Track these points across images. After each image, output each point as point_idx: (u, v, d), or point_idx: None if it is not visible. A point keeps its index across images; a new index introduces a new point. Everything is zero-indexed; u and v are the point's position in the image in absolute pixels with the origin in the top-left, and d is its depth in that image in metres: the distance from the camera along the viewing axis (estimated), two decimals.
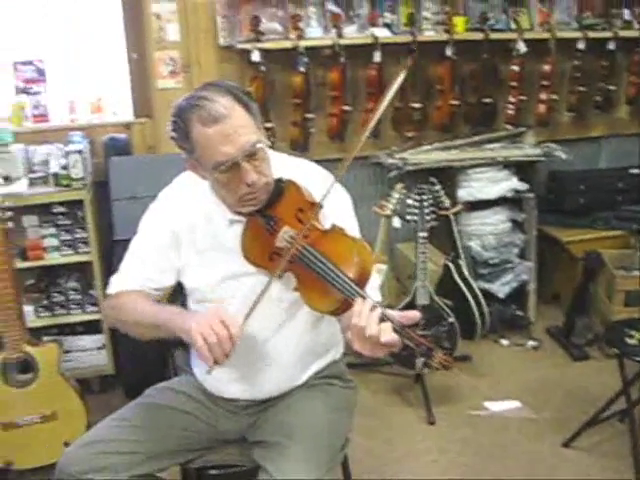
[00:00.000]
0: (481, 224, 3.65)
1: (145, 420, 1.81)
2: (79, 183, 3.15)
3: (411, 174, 3.49)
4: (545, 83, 3.75)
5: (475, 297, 3.35)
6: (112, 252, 2.98)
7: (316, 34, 3.46)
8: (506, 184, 3.60)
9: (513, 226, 3.72)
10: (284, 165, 1.76)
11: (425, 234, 3.04)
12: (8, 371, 2.63)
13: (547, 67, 3.71)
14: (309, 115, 3.50)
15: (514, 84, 3.69)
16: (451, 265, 3.37)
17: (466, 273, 3.38)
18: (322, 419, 1.79)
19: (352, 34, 3.48)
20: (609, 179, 3.97)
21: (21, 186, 3.14)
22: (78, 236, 3.21)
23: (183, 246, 1.80)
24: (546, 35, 3.67)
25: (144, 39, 3.47)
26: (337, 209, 1.72)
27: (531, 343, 3.63)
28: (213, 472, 1.93)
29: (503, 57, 3.70)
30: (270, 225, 1.65)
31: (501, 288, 3.69)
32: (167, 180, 1.89)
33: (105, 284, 1.94)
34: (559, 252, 3.85)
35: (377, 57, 3.45)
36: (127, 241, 1.89)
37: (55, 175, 3.17)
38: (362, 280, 1.51)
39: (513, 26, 3.65)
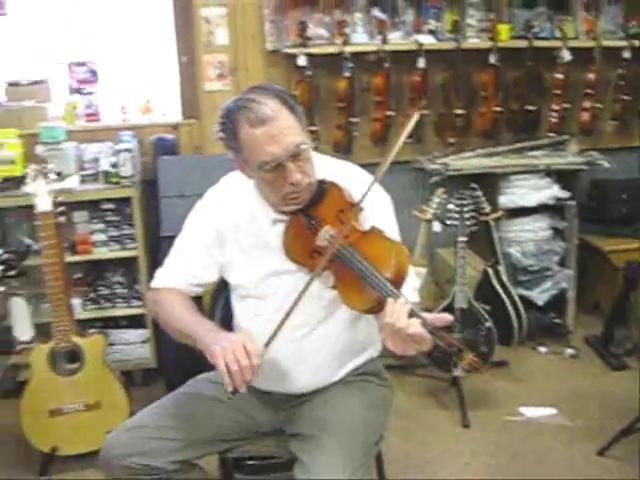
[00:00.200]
0: (521, 231, 3.65)
1: (185, 409, 1.88)
2: (128, 181, 3.26)
3: (452, 180, 3.52)
4: (589, 91, 3.74)
5: (513, 303, 3.36)
6: (158, 248, 3.06)
7: (361, 40, 3.51)
8: (548, 192, 3.61)
9: (554, 234, 3.71)
10: (327, 167, 1.81)
11: (465, 239, 3.07)
12: (56, 360, 2.72)
13: (592, 75, 3.70)
14: (353, 119, 3.55)
15: (558, 92, 3.69)
16: (490, 271, 3.38)
17: (505, 279, 3.40)
18: (357, 415, 1.83)
19: (397, 40, 3.53)
20: None
21: (72, 182, 3.24)
22: (125, 232, 3.31)
23: (227, 244, 1.87)
24: (591, 43, 3.67)
25: (194, 42, 3.56)
26: (377, 211, 1.76)
27: (569, 351, 3.61)
28: (250, 462, 1.99)
29: (547, 65, 3.69)
30: (312, 224, 1.71)
31: (540, 295, 3.69)
32: (213, 180, 1.96)
33: (150, 279, 2.01)
34: (600, 261, 3.83)
35: (421, 63, 3.49)
36: (173, 237, 1.96)
37: (105, 173, 3.27)
38: (398, 281, 1.56)
39: (558, 34, 3.66)
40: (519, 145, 3.74)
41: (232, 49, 3.57)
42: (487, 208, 3.26)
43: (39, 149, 3.24)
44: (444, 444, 2.92)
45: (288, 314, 1.64)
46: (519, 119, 3.73)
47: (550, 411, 3.12)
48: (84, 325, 3.15)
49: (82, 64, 3.60)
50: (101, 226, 3.32)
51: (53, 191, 2.69)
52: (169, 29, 3.62)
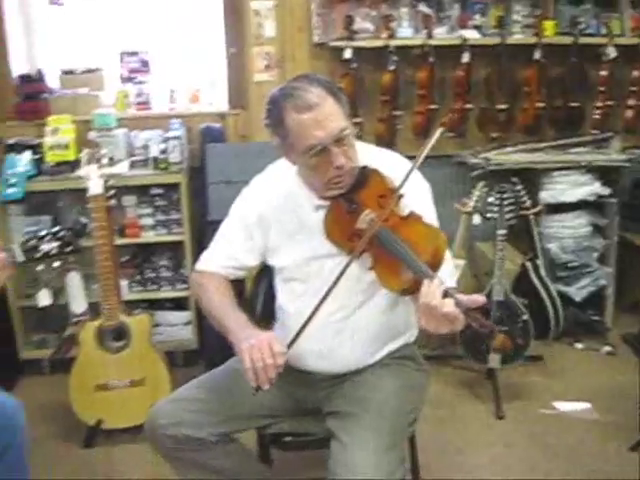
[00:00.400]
0: (561, 227, 3.66)
1: (226, 385, 1.96)
2: (176, 167, 3.36)
3: (494, 174, 3.53)
4: (634, 89, 3.70)
5: (551, 298, 3.37)
6: (205, 232, 3.15)
7: (407, 34, 3.55)
8: (589, 188, 3.60)
9: (594, 231, 3.71)
10: (370, 155, 1.87)
11: (504, 232, 3.09)
12: (104, 337, 2.83)
13: (637, 73, 3.67)
14: (396, 112, 3.59)
15: (602, 89, 3.67)
16: (529, 265, 3.40)
17: (543, 274, 3.41)
18: (393, 395, 1.89)
19: (442, 35, 3.56)
20: None
21: (123, 168, 3.36)
22: (172, 217, 3.42)
23: (270, 229, 1.95)
24: (637, 41, 3.63)
25: (243, 34, 3.64)
26: (417, 198, 1.82)
27: (606, 349, 3.61)
28: (288, 439, 2.06)
29: (592, 62, 3.68)
30: (353, 208, 1.77)
31: (578, 292, 3.69)
32: (259, 166, 2.04)
33: (195, 263, 2.11)
34: None
35: (465, 58, 3.51)
36: (219, 222, 2.06)
37: (154, 159, 3.38)
38: (434, 263, 1.62)
39: (604, 31, 3.64)
40: (562, 141, 3.74)
41: (280, 41, 3.64)
42: (527, 203, 3.27)
43: (92, 135, 3.36)
44: (477, 434, 2.96)
45: (326, 295, 1.71)
46: (562, 115, 3.73)
47: (584, 406, 3.14)
48: (130, 306, 3.23)
49: (134, 54, 3.72)
50: (149, 210, 3.43)
51: (104, 175, 2.78)
52: (218, 21, 3.71)
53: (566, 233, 3.66)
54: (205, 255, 2.06)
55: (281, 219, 1.93)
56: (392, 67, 3.50)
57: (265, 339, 1.72)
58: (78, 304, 2.98)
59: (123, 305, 2.93)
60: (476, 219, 3.32)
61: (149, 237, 3.46)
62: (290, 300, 1.98)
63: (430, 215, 1.85)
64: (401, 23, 3.54)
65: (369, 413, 1.81)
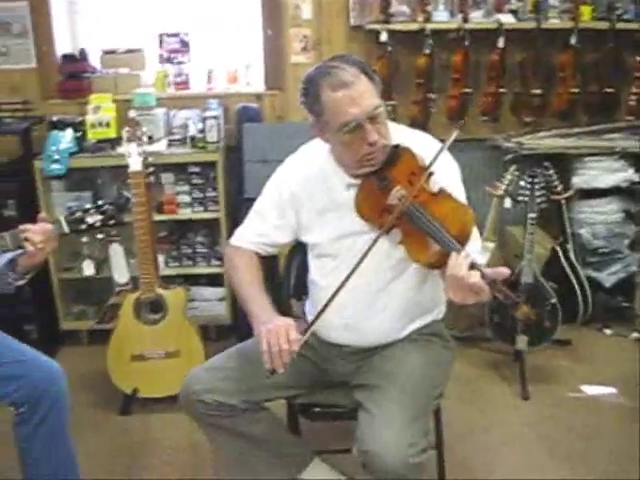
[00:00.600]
0: (593, 212, 3.66)
1: (257, 355, 2.01)
2: (213, 146, 3.43)
3: (527, 158, 3.54)
4: None
5: (580, 283, 3.39)
6: (240, 210, 3.22)
7: (442, 18, 3.56)
8: (622, 174, 3.60)
9: (625, 217, 3.70)
10: (402, 134, 1.93)
11: (534, 215, 3.11)
12: (141, 309, 2.93)
13: None
14: (431, 95, 3.61)
15: (638, 75, 3.65)
16: (559, 249, 3.42)
17: (573, 258, 3.43)
18: (419, 369, 1.95)
19: (477, 19, 3.56)
20: None
21: (161, 146, 3.44)
22: (209, 195, 3.49)
23: (303, 207, 2.02)
24: None
25: (280, 16, 3.69)
26: (447, 177, 1.87)
27: (635, 335, 3.62)
28: (316, 409, 2.14)
29: (629, 47, 3.65)
30: (384, 184, 1.83)
31: (608, 277, 3.70)
32: (295, 146, 2.10)
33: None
34: None
35: (501, 43, 3.51)
36: (254, 200, 2.13)
37: (192, 138, 3.45)
38: (462, 238, 1.69)
39: None
40: (596, 127, 3.73)
41: (316, 24, 3.68)
42: (559, 187, 3.30)
43: (132, 114, 3.42)
44: (502, 414, 3.00)
45: (354, 269, 1.79)
46: (597, 101, 3.71)
47: (610, 390, 3.16)
48: (166, 281, 3.31)
49: (174, 35, 3.77)
50: (186, 188, 3.51)
51: (144, 153, 2.85)
52: (257, 3, 3.75)
53: (598, 219, 3.67)
54: (239, 231, 2.14)
55: (313, 197, 2.00)
56: (427, 50, 3.53)
57: (283, 325, 1.81)
58: (121, 274, 3.11)
59: (160, 279, 3.03)
60: (507, 203, 3.35)
61: (186, 214, 3.54)
62: (322, 275, 2.05)
63: (459, 193, 1.89)
64: (437, 7, 3.55)
65: (395, 386, 1.87)
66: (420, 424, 1.83)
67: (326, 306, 1.82)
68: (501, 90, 3.62)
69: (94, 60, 3.84)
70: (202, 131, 3.42)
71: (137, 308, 2.93)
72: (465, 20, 3.50)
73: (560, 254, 3.42)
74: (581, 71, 3.66)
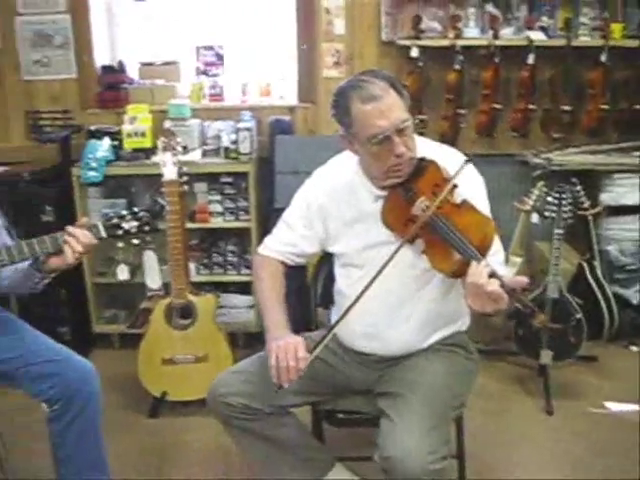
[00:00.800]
0: (621, 229, 3.66)
1: None
2: (246, 157, 3.50)
3: (555, 174, 3.55)
4: None
5: (606, 299, 3.39)
6: (270, 219, 3.27)
7: (473, 34, 3.61)
8: None
9: None
10: (429, 148, 1.98)
11: (561, 231, 3.12)
12: (172, 315, 3.00)
13: None
14: (460, 110, 3.65)
15: None
16: (585, 265, 3.43)
17: (599, 275, 3.43)
18: (441, 379, 1.99)
19: (508, 35, 3.60)
20: None
21: (195, 156, 3.52)
22: (240, 205, 3.56)
23: (330, 218, 2.08)
24: None
25: (313, 31, 3.76)
26: (471, 189, 1.91)
27: None
28: (340, 416, 2.18)
29: None
30: (409, 196, 1.88)
31: (635, 295, 3.68)
32: (325, 158, 2.16)
33: None
34: None
35: (531, 59, 3.55)
36: (285, 210, 2.19)
37: (225, 148, 3.53)
38: (482, 248, 1.74)
39: None
40: (625, 144, 3.74)
41: (349, 39, 3.75)
42: (586, 203, 3.30)
43: (167, 124, 3.53)
44: (525, 428, 3.01)
45: (375, 277, 1.85)
46: (626, 118, 3.72)
47: (634, 407, 3.14)
48: (197, 288, 3.37)
49: (209, 48, 3.87)
50: (218, 197, 3.59)
51: (178, 162, 2.92)
52: (291, 18, 3.83)
53: (626, 236, 3.67)
54: (267, 240, 2.21)
55: (340, 208, 2.05)
56: (458, 66, 3.57)
57: (292, 343, 1.88)
58: (153, 280, 3.20)
59: (191, 286, 3.09)
60: (534, 218, 3.37)
61: (218, 223, 3.61)
62: (348, 285, 2.09)
63: (482, 206, 1.93)
64: (468, 23, 3.60)
65: (416, 395, 1.91)
66: (440, 432, 1.86)
67: (343, 315, 1.89)
68: (531, 106, 3.65)
69: (132, 71, 3.96)
70: (235, 142, 3.50)
71: (168, 313, 3.00)
72: (495, 37, 3.53)
73: (587, 270, 3.42)
74: (611, 88, 3.66)
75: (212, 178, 3.60)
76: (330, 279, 2.25)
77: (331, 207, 2.07)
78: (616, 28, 3.55)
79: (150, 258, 3.20)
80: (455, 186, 1.83)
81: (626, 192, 3.60)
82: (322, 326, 2.32)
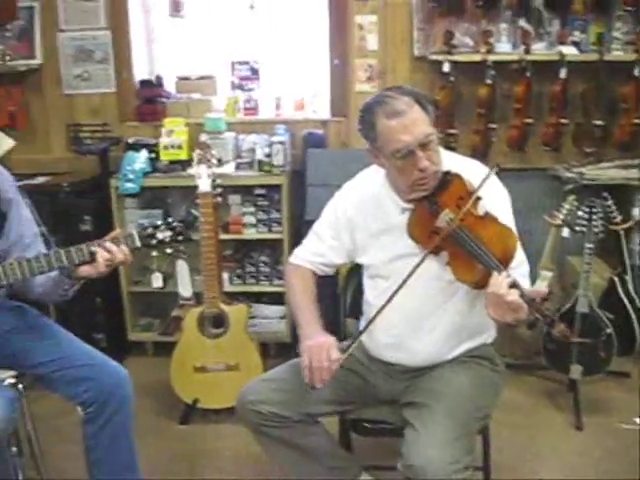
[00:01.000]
0: None
1: None
2: (279, 170, 3.57)
3: (587, 189, 3.55)
4: None
5: (638, 314, 3.37)
6: (302, 231, 3.32)
7: (505, 49, 3.62)
8: None
9: None
10: (455, 161, 2.02)
11: (592, 245, 3.12)
12: (204, 323, 3.06)
13: None
14: (492, 125, 3.67)
15: None
16: (616, 280, 3.42)
17: (631, 289, 3.42)
18: (466, 391, 2.01)
19: (540, 50, 3.60)
20: None
21: (229, 168, 3.59)
22: (273, 216, 3.63)
23: (359, 230, 2.12)
24: None
25: (346, 47, 3.81)
26: (495, 202, 1.94)
27: None
28: (366, 425, 2.21)
29: None
30: (433, 208, 1.92)
31: None
32: (356, 171, 2.22)
33: None
34: None
35: (563, 74, 3.55)
36: (316, 222, 2.25)
37: (259, 161, 3.59)
38: (504, 259, 1.78)
39: None
40: None
41: (381, 54, 3.79)
42: (618, 218, 3.30)
43: (203, 137, 3.61)
44: (553, 442, 3.00)
45: (399, 287, 1.90)
46: None
47: None
48: (230, 297, 3.40)
49: (244, 63, 3.94)
50: (252, 209, 3.65)
51: (213, 175, 2.99)
52: (324, 33, 3.89)
53: None
54: (298, 250, 2.28)
55: (368, 220, 2.10)
56: (489, 81, 3.59)
57: (325, 343, 1.93)
58: (185, 289, 3.27)
59: (223, 296, 3.16)
60: (565, 232, 3.36)
61: (251, 234, 3.68)
62: (375, 296, 2.13)
63: (506, 218, 1.95)
64: (500, 38, 3.61)
65: (441, 406, 1.93)
66: (463, 443, 1.88)
67: (368, 325, 1.94)
68: (563, 121, 3.65)
69: (169, 86, 4.05)
70: (269, 155, 3.56)
71: (200, 322, 3.07)
72: (527, 52, 3.54)
73: (618, 285, 3.41)
74: None
75: (246, 190, 3.66)
76: (359, 290, 2.30)
77: (358, 219, 2.11)
78: None
79: (182, 267, 3.27)
80: (479, 198, 1.86)
81: None
82: (350, 336, 2.36)
